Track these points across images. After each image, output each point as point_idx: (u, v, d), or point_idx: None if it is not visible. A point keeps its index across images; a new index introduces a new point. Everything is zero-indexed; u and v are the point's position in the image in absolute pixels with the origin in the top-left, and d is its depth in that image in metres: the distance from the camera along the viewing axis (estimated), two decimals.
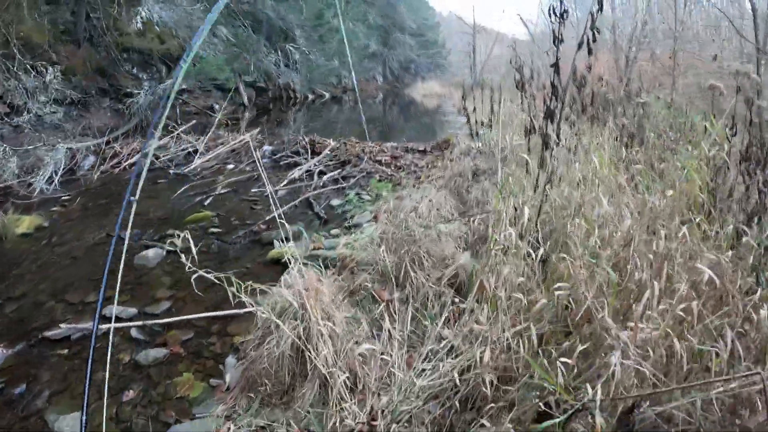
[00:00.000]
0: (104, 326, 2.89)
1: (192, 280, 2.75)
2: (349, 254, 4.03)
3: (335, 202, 6.18)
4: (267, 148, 9.02)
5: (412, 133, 14.30)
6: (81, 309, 4.08)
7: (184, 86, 16.19)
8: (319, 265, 3.33)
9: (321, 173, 7.48)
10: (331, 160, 7.98)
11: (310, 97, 25.27)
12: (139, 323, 3.80)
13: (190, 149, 9.20)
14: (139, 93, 11.90)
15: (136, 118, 12.06)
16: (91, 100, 11.31)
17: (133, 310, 3.99)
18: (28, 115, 8.50)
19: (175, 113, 14.46)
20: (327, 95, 26.84)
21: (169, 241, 3.09)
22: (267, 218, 5.60)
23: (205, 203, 6.42)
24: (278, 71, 20.88)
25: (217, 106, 18.18)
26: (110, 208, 6.50)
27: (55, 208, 6.72)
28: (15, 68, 8.55)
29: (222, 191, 6.92)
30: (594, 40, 2.66)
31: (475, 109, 7.26)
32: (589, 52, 2.69)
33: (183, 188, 7.09)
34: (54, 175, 7.31)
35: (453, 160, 6.98)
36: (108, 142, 9.44)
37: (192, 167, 8.34)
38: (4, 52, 8.60)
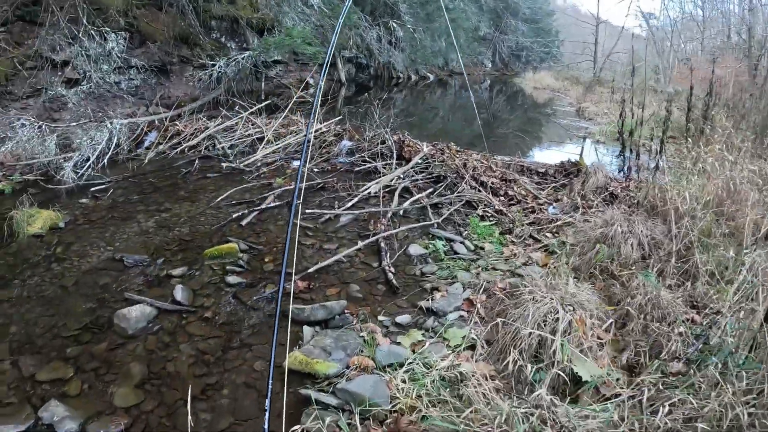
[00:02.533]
0: None
1: None
2: (407, 405, 2.13)
3: (414, 249, 4.21)
4: (345, 143, 7.19)
5: (518, 134, 11.88)
6: (23, 390, 2.63)
7: (278, 57, 14.81)
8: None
9: (405, 192, 5.52)
10: (420, 171, 6.00)
11: (414, 78, 23.21)
12: None
13: (257, 136, 7.61)
14: (215, 63, 10.52)
15: (219, 89, 10.76)
16: (173, 68, 10.08)
17: (71, 427, 2.38)
18: (88, 84, 7.24)
19: (259, 87, 13.12)
20: (431, 77, 24.62)
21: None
22: (311, 269, 3.78)
23: (243, 222, 4.71)
24: (380, 48, 18.95)
25: (311, 80, 16.79)
26: (138, 211, 5.02)
27: (84, 200, 5.37)
28: (80, 33, 7.30)
29: (272, 204, 5.19)
30: None
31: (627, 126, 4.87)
32: None
33: (229, 192, 5.46)
34: (91, 156, 5.97)
35: (591, 207, 4.76)
36: (175, 117, 8.11)
37: (252, 160, 6.72)
38: (71, 16, 7.36)
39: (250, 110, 8.34)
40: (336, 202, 5.29)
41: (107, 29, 7.93)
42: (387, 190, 5.57)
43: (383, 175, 5.90)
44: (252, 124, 8.05)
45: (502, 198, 5.17)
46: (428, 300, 3.42)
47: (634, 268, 3.59)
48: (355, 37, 17.89)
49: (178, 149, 7.10)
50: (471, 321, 3.04)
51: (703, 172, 3.82)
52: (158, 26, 9.55)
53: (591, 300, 2.78)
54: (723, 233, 3.63)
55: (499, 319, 2.73)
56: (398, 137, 6.69)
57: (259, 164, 6.66)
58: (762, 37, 11.86)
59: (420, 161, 6.11)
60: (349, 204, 5.16)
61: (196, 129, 7.50)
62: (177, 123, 7.69)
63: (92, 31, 7.59)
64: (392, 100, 16.31)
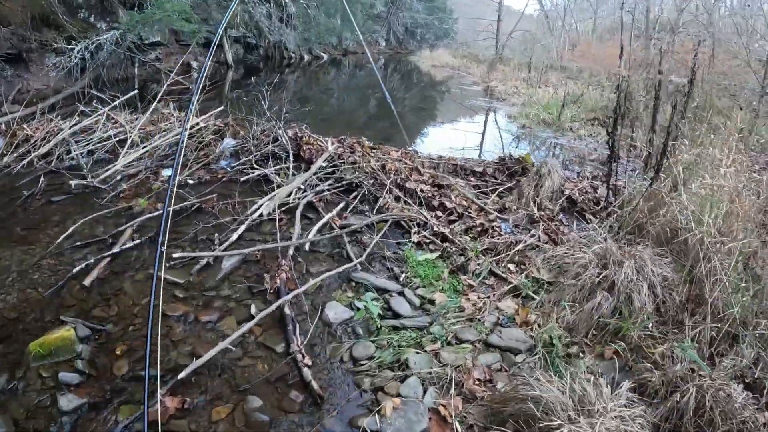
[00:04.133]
0: None
1: None
2: None
3: (334, 312, 2.76)
4: (228, 143, 5.48)
5: (421, 112, 10.76)
6: None
7: (156, 39, 12.30)
8: None
9: (309, 209, 4.03)
10: (326, 177, 4.50)
11: (307, 58, 21.28)
12: None
13: (121, 137, 5.61)
14: (73, 48, 8.16)
15: (85, 78, 8.37)
16: (32, 56, 7.64)
17: None
18: None
19: (133, 73, 10.73)
20: (325, 57, 22.81)
21: None
22: (183, 374, 2.21)
23: (87, 281, 2.95)
24: (271, 26, 16.83)
25: (195, 64, 14.36)
26: None
27: None
28: None
29: (129, 244, 3.43)
30: None
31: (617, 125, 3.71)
32: None
33: (76, 224, 3.60)
34: None
35: (553, 220, 3.63)
36: (29, 117, 5.85)
37: (110, 172, 4.78)
38: None
39: (112, 104, 6.23)
40: (216, 235, 3.67)
41: None
42: (285, 209, 4.03)
43: (278, 186, 4.34)
44: (114, 123, 5.98)
45: (439, 213, 3.86)
46: (374, 416, 2.03)
47: (650, 325, 2.47)
48: (242, 15, 15.63)
49: (26, 160, 4.92)
50: None
51: (717, 189, 2.76)
52: (12, 6, 7.04)
53: None
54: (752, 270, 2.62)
55: None
56: (294, 132, 5.12)
57: (119, 176, 4.75)
58: (656, 17, 11.74)
59: (324, 164, 4.61)
60: (235, 236, 3.57)
61: (48, 132, 5.33)
62: (26, 126, 5.45)
63: None
64: (285, 83, 14.47)
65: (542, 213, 3.77)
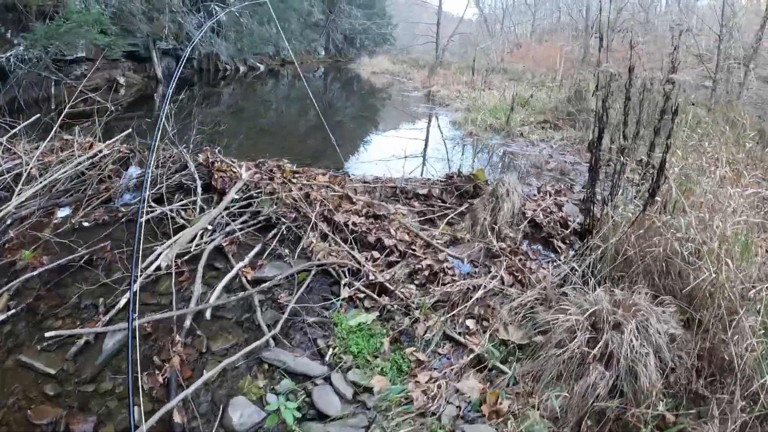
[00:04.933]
0: None
1: None
2: None
3: (239, 414, 1.95)
4: (132, 173, 4.52)
5: (360, 121, 10.03)
6: None
7: (80, 53, 10.82)
8: None
9: (217, 255, 3.17)
10: (240, 211, 3.64)
11: (242, 69, 20.07)
12: None
13: (18, 170, 4.50)
14: None
15: None
16: None
17: None
18: None
19: (54, 92, 9.34)
20: (262, 68, 21.63)
21: None
22: None
23: None
24: (202, 37, 15.61)
25: (123, 80, 12.99)
26: None
27: None
28: None
29: (2, 316, 2.50)
30: None
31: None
32: None
33: None
34: None
35: (516, 253, 2.95)
36: None
37: (2, 214, 3.70)
38: None
39: (11, 132, 5.06)
40: (102, 300, 2.79)
41: None
42: (189, 257, 3.16)
43: (182, 227, 3.46)
44: (12, 154, 4.83)
45: (375, 253, 3.09)
46: None
47: (661, 406, 1.80)
48: (170, 25, 14.36)
49: None
50: None
51: (723, 212, 2.14)
52: None
53: None
54: None
55: None
56: (205, 157, 4.22)
57: (10, 220, 3.71)
58: (595, 16, 11.59)
59: (238, 195, 3.74)
60: (123, 301, 2.70)
61: None
62: None
63: None
64: (216, 95, 13.41)
65: (503, 245, 3.07)
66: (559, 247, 3.22)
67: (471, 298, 2.59)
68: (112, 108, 7.28)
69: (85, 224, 3.85)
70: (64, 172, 4.47)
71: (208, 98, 12.79)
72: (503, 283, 2.72)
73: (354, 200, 3.53)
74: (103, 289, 2.96)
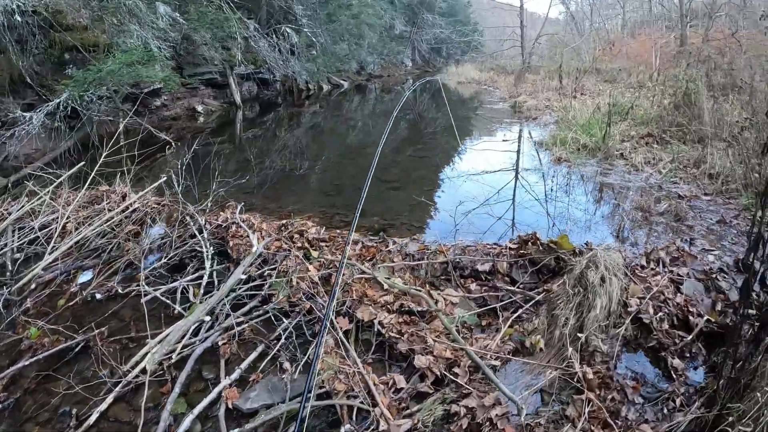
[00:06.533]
0: None
1: None
2: None
3: None
4: (156, 232, 4.05)
5: (446, 138, 8.97)
6: None
7: (157, 85, 11.05)
8: None
9: (210, 354, 2.48)
10: (252, 293, 2.92)
11: (326, 88, 19.98)
12: None
13: (55, 225, 4.27)
14: (26, 114, 7.14)
15: (71, 138, 7.36)
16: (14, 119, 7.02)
17: None
18: None
19: (131, 126, 9.53)
20: (346, 84, 21.42)
21: None
22: None
23: None
24: (276, 59, 15.62)
25: (201, 108, 13.31)
26: None
27: None
28: None
29: None
30: None
31: None
32: None
33: None
34: None
35: (619, 419, 1.89)
36: None
37: (30, 277, 3.43)
38: None
39: (59, 180, 4.92)
40: (74, 411, 2.27)
41: None
42: (175, 360, 2.51)
43: (187, 308, 2.83)
44: (51, 207, 4.66)
45: (399, 378, 2.18)
46: None
47: None
48: (244, 50, 14.50)
49: None
50: None
51: None
52: None
53: None
54: None
55: None
56: (225, 218, 3.58)
57: (34, 284, 3.45)
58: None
59: (250, 272, 3.02)
60: (94, 417, 2.16)
61: None
62: None
63: None
64: (297, 116, 13.17)
65: (588, 370, 2.03)
66: (674, 368, 2.10)
67: None
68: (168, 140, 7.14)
69: (98, 296, 3.41)
70: (94, 229, 4.11)
71: (290, 119, 12.58)
72: None
73: (385, 287, 2.65)
74: (87, 390, 2.43)
